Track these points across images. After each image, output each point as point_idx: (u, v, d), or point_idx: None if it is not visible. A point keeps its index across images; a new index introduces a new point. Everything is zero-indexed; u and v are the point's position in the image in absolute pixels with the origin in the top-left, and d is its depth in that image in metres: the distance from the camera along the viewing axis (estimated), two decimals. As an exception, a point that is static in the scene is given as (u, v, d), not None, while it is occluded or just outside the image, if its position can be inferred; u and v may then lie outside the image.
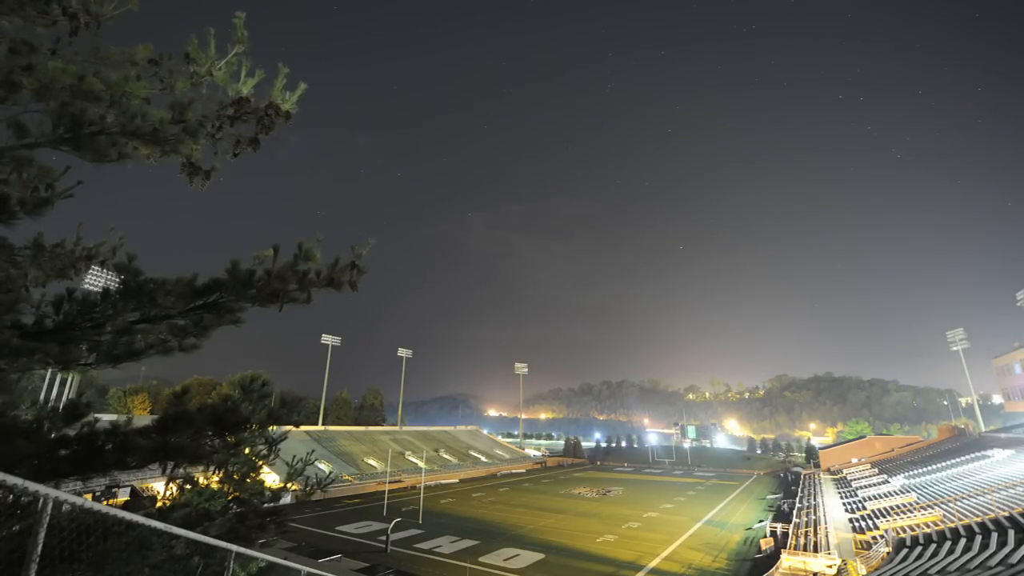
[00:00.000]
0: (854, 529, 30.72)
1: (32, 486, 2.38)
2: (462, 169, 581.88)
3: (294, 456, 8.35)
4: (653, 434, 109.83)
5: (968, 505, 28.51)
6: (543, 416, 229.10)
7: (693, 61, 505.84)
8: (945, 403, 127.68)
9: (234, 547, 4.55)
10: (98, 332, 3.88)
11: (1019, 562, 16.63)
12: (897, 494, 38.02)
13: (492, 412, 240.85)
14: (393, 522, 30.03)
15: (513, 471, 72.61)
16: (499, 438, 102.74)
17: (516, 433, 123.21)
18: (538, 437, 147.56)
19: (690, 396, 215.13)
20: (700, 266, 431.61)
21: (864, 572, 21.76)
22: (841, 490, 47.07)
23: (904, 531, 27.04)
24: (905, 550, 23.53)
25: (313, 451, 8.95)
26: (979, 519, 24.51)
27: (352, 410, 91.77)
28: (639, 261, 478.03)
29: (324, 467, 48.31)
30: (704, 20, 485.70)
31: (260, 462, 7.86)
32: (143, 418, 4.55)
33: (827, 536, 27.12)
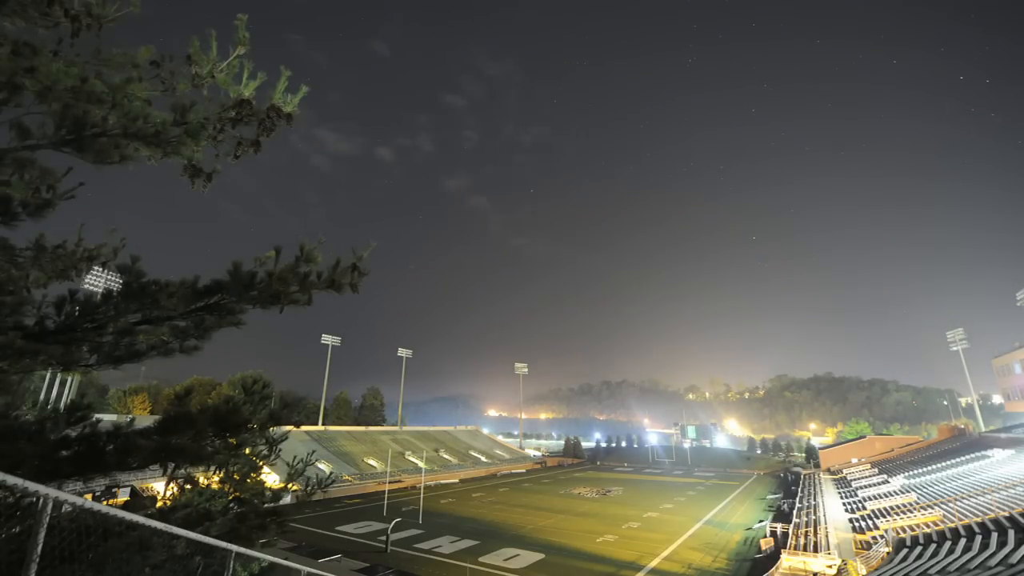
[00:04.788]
0: (854, 529, 30.71)
1: (32, 486, 2.38)
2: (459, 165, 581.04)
3: (294, 456, 8.35)
4: (653, 434, 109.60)
5: (968, 505, 28.50)
6: (543, 416, 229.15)
7: (675, 64, 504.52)
8: (945, 403, 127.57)
9: (235, 547, 4.56)
10: (100, 333, 3.89)
11: (1019, 562, 16.62)
12: (897, 494, 38.01)
13: (492, 412, 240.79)
14: (393, 522, 30.02)
15: (513, 471, 72.57)
16: (499, 438, 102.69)
17: (516, 433, 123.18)
18: (538, 437, 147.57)
19: (690, 396, 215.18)
20: (700, 266, 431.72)
21: (864, 572, 21.75)
22: (841, 490, 47.05)
23: (904, 531, 27.03)
24: (905, 550, 23.53)
25: (313, 451, 8.95)
26: (979, 519, 24.50)
27: (352, 410, 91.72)
28: (639, 261, 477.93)
29: (324, 467, 48.33)
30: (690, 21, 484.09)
31: (261, 462, 7.86)
32: (144, 418, 4.57)
33: (827, 536, 27.11)
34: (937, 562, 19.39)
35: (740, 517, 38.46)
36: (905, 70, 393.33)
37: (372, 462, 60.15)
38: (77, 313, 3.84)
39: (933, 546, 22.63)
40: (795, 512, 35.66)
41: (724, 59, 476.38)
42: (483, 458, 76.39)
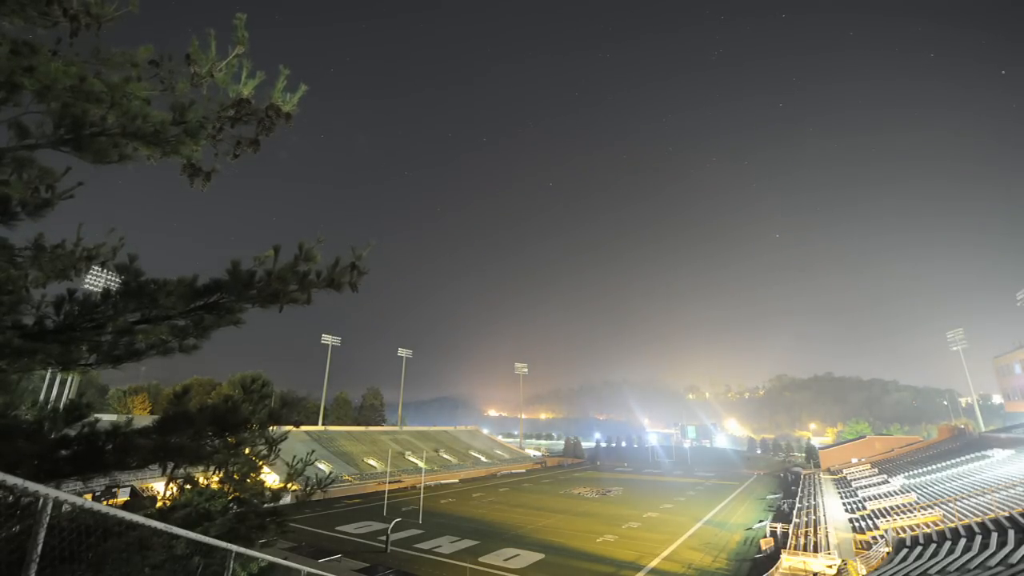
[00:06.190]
0: (854, 529, 30.71)
1: (32, 486, 2.38)
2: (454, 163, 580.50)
3: (294, 456, 8.34)
4: (653, 434, 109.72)
5: (968, 505, 28.50)
6: (543, 416, 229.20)
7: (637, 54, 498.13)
8: (945, 403, 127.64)
9: (234, 547, 4.55)
10: (99, 333, 3.89)
11: (1019, 562, 16.62)
12: (897, 494, 38.01)
13: (492, 412, 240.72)
14: (393, 522, 30.02)
15: (513, 471, 72.55)
16: (499, 438, 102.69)
17: (516, 433, 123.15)
18: (538, 437, 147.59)
19: (690, 396, 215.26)
20: (699, 266, 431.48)
21: (864, 572, 21.75)
22: (841, 490, 47.06)
23: (904, 531, 27.03)
24: (905, 550, 23.53)
25: (313, 451, 8.94)
26: (979, 519, 24.50)
27: (352, 410, 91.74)
28: (640, 261, 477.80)
29: (324, 467, 48.29)
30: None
31: (260, 462, 7.85)
32: (143, 418, 4.57)
33: (827, 536, 27.11)
34: (937, 562, 19.39)
35: (740, 517, 38.45)
36: (900, 68, 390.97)
37: (372, 462, 60.15)
38: (76, 312, 3.83)
39: (933, 546, 22.63)
40: (795, 512, 35.65)
41: (751, 52, 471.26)
42: (483, 458, 76.39)
